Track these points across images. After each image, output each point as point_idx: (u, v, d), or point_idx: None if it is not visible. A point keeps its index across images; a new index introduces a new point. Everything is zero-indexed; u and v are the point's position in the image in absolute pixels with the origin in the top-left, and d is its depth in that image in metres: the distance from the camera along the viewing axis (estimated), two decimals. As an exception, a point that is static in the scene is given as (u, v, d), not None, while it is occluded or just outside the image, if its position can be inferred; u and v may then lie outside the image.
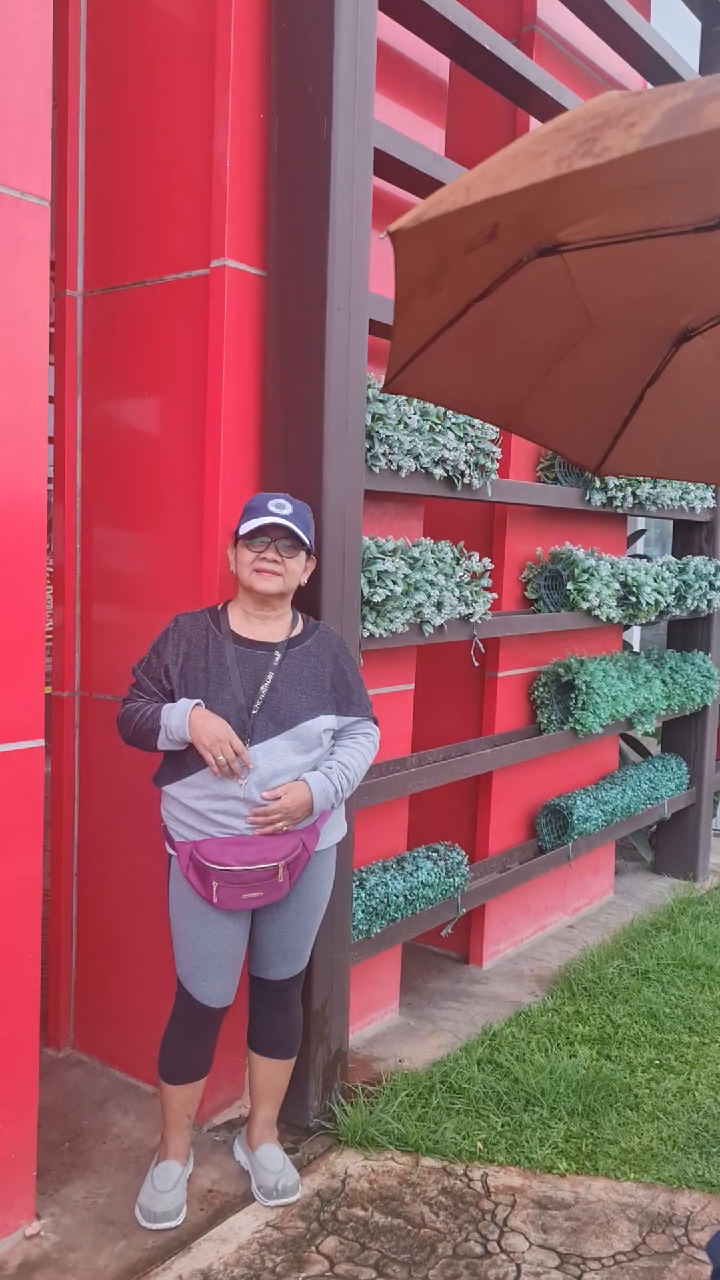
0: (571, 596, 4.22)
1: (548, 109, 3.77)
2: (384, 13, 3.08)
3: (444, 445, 3.28)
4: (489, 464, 3.50)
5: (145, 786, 2.88)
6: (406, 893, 3.40)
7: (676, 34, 4.88)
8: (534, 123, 4.04)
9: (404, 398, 3.12)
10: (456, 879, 3.64)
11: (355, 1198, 2.73)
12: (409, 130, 3.37)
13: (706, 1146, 3.01)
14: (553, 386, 2.17)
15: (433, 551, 3.35)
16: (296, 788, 2.48)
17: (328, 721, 2.58)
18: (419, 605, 3.26)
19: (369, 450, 3.05)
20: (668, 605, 4.81)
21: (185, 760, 2.50)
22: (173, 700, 2.51)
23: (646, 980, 4.10)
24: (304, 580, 2.61)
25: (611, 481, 4.33)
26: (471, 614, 3.53)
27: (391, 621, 3.17)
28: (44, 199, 2.35)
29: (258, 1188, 2.72)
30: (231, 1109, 3.14)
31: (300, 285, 2.86)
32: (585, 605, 4.25)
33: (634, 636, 8.49)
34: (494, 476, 3.59)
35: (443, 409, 3.27)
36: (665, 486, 4.69)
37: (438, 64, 3.53)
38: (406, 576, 3.20)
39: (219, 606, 2.63)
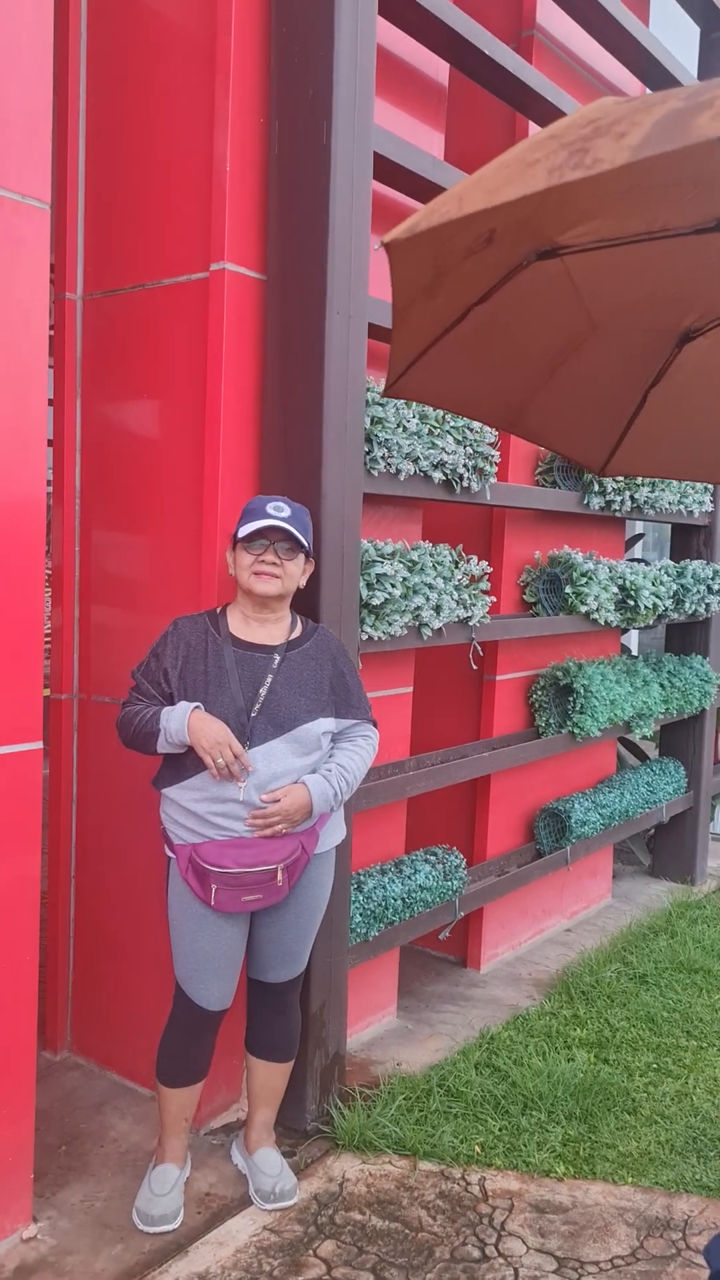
0: (570, 600, 4.23)
1: (547, 114, 3.78)
2: (384, 17, 3.09)
3: (443, 449, 3.29)
4: (488, 467, 3.50)
5: (143, 789, 2.88)
6: (404, 896, 3.40)
7: (675, 39, 4.89)
8: (533, 127, 4.05)
9: (403, 401, 3.12)
10: (454, 882, 3.64)
11: (353, 1201, 2.73)
12: (408, 134, 3.38)
13: (704, 1150, 3.01)
14: (555, 389, 2.17)
15: (431, 555, 3.36)
16: (295, 790, 2.48)
17: (327, 724, 2.58)
18: (417, 608, 3.26)
19: (368, 453, 3.05)
20: (666, 609, 4.82)
21: (184, 763, 2.50)
22: (172, 703, 2.51)
23: (644, 984, 4.10)
24: (303, 583, 2.62)
25: (610, 485, 4.34)
26: (470, 617, 3.54)
27: (390, 624, 3.17)
28: (44, 202, 2.35)
29: (255, 1191, 2.71)
30: (229, 1112, 3.14)
31: (300, 289, 2.87)
32: (583, 609, 4.25)
33: (632, 640, 8.50)
34: (492, 480, 3.59)
35: (442, 412, 3.28)
36: (664, 490, 4.69)
37: (437, 68, 3.54)
38: (405, 579, 3.20)
39: (218, 610, 2.63)
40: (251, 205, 2.91)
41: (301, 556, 2.56)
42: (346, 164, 2.83)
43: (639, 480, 4.49)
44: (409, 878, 3.45)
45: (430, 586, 3.29)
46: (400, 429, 3.14)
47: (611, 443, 2.43)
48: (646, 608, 4.59)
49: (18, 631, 2.39)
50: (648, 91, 4.69)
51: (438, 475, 3.30)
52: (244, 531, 2.49)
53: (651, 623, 4.85)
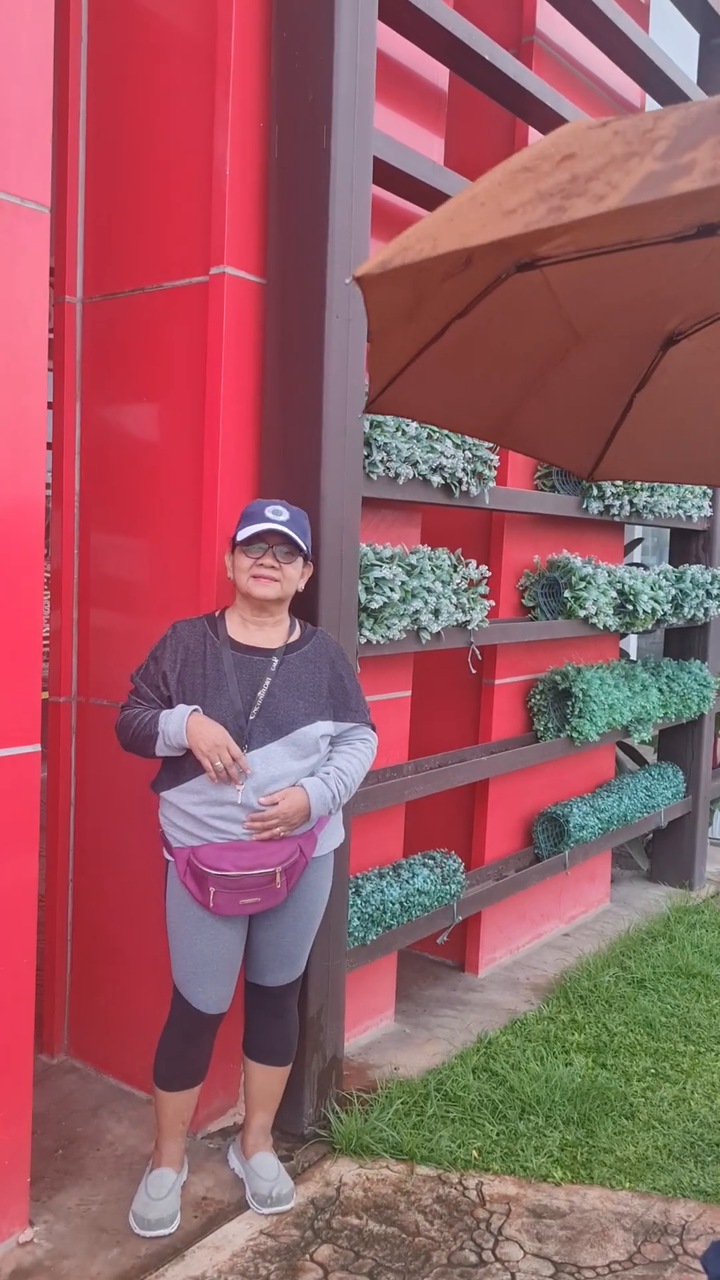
0: (569, 604, 4.23)
1: (546, 119, 3.79)
2: (384, 22, 3.10)
3: (442, 453, 3.29)
4: (487, 472, 3.51)
5: (142, 792, 2.88)
6: (403, 900, 3.40)
7: (675, 45, 4.90)
8: (533, 133, 4.06)
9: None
10: (453, 886, 3.64)
11: (350, 1206, 2.73)
12: (408, 139, 3.38)
13: (702, 1155, 3.00)
14: (541, 397, 2.17)
15: (430, 559, 3.36)
16: (294, 793, 2.48)
17: (325, 727, 2.58)
18: (416, 612, 3.26)
19: (367, 457, 3.06)
20: (664, 613, 4.82)
21: (183, 766, 2.50)
22: (171, 707, 2.51)
23: (642, 989, 4.09)
24: (301, 586, 2.62)
25: (609, 490, 4.34)
26: (469, 621, 3.54)
27: (389, 628, 3.17)
28: (44, 205, 2.35)
29: (252, 1195, 2.71)
30: (226, 1116, 3.13)
31: (299, 292, 2.87)
32: (582, 613, 4.25)
33: (631, 645, 8.50)
34: (491, 484, 3.59)
35: (441, 416, 3.28)
36: (662, 495, 4.70)
37: (437, 74, 3.55)
38: (404, 583, 3.20)
39: (216, 613, 2.64)
40: (251, 209, 2.92)
41: (300, 560, 2.56)
42: (346, 168, 2.84)
43: (638, 485, 4.50)
44: (407, 882, 3.45)
45: (429, 590, 3.29)
46: (399, 433, 3.14)
47: (599, 448, 2.44)
48: (645, 612, 4.59)
49: (16, 634, 2.39)
50: (648, 97, 4.72)
51: (437, 479, 3.31)
52: (243, 535, 2.49)
53: (650, 627, 4.85)
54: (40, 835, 2.58)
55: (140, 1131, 3.01)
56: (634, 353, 2.19)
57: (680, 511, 4.90)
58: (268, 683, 2.52)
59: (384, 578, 3.11)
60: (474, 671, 4.07)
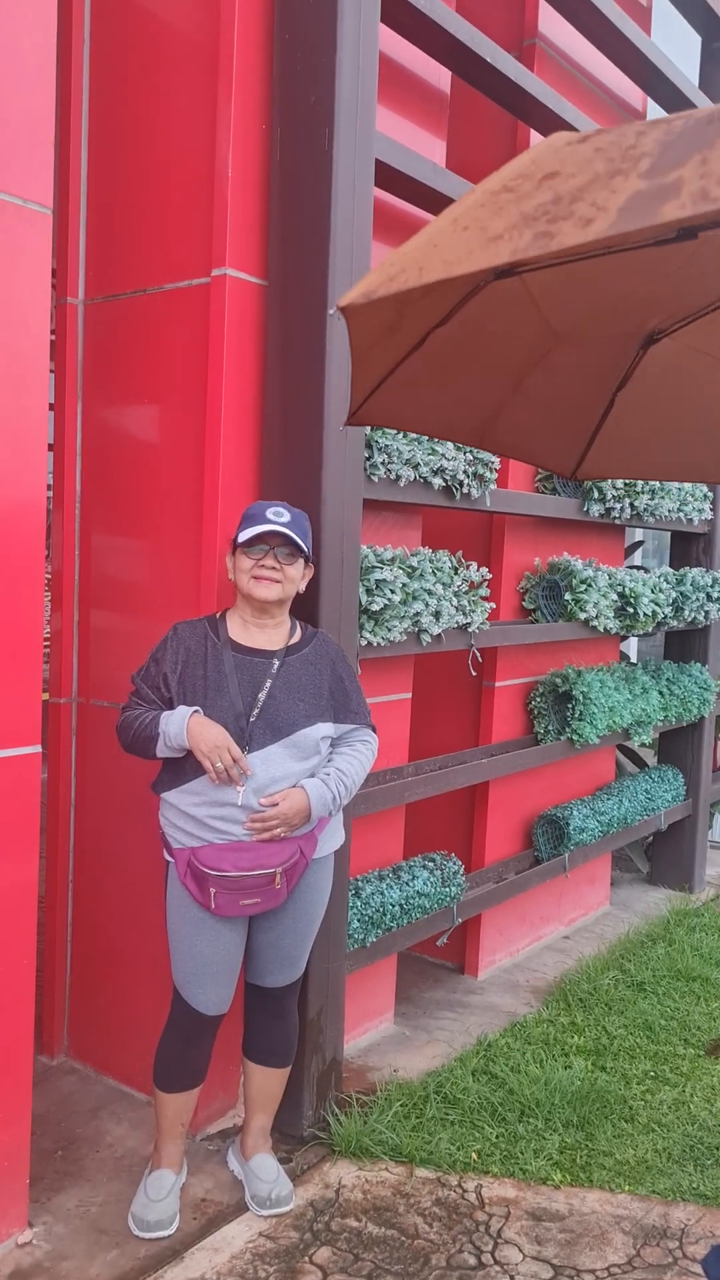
0: (569, 607, 4.23)
1: (548, 121, 3.79)
2: (386, 25, 3.10)
3: (443, 455, 3.29)
4: (487, 474, 3.51)
5: (142, 793, 2.88)
6: (402, 902, 3.40)
7: (677, 49, 4.91)
8: (534, 135, 4.07)
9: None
10: (452, 889, 3.64)
11: (349, 1208, 2.72)
12: (410, 141, 3.39)
13: (701, 1159, 3.00)
14: (522, 401, 2.18)
15: (431, 561, 3.36)
16: (294, 794, 2.48)
17: (325, 729, 2.58)
18: (417, 614, 3.26)
19: (368, 459, 3.06)
20: (665, 616, 4.82)
21: (183, 767, 2.50)
22: (171, 708, 2.51)
23: (642, 992, 4.09)
24: (302, 588, 2.62)
25: (610, 492, 4.34)
26: (469, 623, 3.54)
27: (389, 630, 3.17)
28: (46, 206, 2.36)
29: (251, 1197, 2.71)
30: (225, 1118, 3.13)
31: (301, 294, 2.87)
32: (583, 616, 4.25)
33: (631, 647, 8.50)
34: (492, 486, 3.60)
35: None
36: (663, 497, 4.70)
37: (439, 76, 3.56)
38: (404, 585, 3.20)
39: (217, 614, 2.64)
40: (253, 211, 2.92)
41: (301, 561, 2.56)
42: (348, 170, 2.84)
43: (639, 487, 4.50)
44: (407, 884, 3.45)
45: (430, 593, 3.29)
46: (400, 435, 3.15)
47: (581, 447, 2.44)
48: (646, 615, 4.59)
49: (17, 635, 2.39)
50: (649, 101, 4.72)
51: (437, 481, 3.31)
52: (244, 536, 2.50)
53: (651, 630, 4.85)
54: (40, 836, 2.58)
55: (140, 1133, 3.00)
56: (614, 353, 2.20)
57: (681, 514, 4.91)
58: (268, 684, 2.52)
59: (385, 580, 3.11)
60: (474, 674, 4.07)
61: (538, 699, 4.36)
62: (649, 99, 4.76)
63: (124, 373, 3.14)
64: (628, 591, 4.52)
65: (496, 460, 3.52)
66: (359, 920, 3.22)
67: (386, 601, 3.11)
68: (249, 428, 2.97)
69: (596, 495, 4.30)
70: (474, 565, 3.58)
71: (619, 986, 4.12)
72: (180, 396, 3.00)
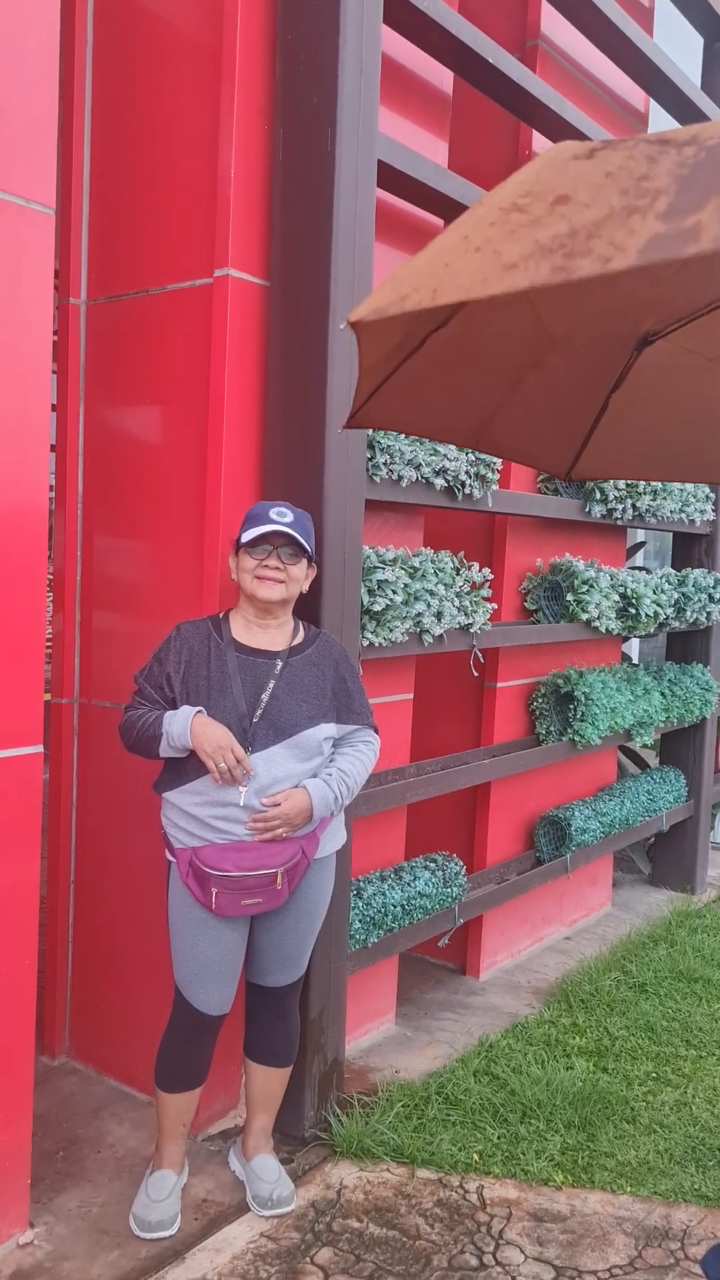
0: (571, 608, 4.23)
1: (550, 122, 3.80)
2: (389, 26, 3.10)
3: (445, 455, 3.29)
4: (490, 474, 3.51)
5: (143, 793, 2.88)
6: (404, 903, 3.40)
7: (679, 50, 4.91)
8: (536, 137, 4.07)
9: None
10: (454, 889, 3.64)
11: (350, 1209, 2.72)
12: (412, 142, 3.39)
13: (703, 1160, 3.00)
14: (518, 402, 2.18)
15: (433, 561, 3.36)
16: (296, 794, 2.48)
17: (328, 730, 2.58)
18: (419, 615, 3.26)
19: (370, 460, 3.06)
20: (667, 617, 4.82)
21: (185, 767, 2.50)
22: (174, 708, 2.52)
23: (644, 993, 4.09)
24: (305, 588, 2.62)
25: (611, 493, 4.34)
26: (471, 624, 3.54)
27: (391, 631, 3.17)
28: (48, 207, 2.36)
29: (252, 1198, 2.70)
30: (227, 1119, 3.13)
31: (304, 295, 2.87)
32: (584, 617, 4.25)
33: (633, 648, 8.50)
34: (494, 487, 3.59)
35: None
36: (665, 498, 4.70)
37: (441, 77, 3.56)
38: (406, 586, 3.20)
39: (221, 614, 2.64)
40: (256, 211, 2.92)
41: (305, 562, 2.56)
42: (351, 171, 2.84)
43: (640, 488, 4.50)
44: (408, 884, 3.45)
45: (431, 593, 3.29)
46: (402, 435, 3.15)
47: (575, 448, 2.45)
48: (648, 616, 4.59)
49: (19, 635, 2.39)
50: (652, 103, 4.72)
51: (440, 482, 3.31)
52: (247, 536, 2.50)
53: (652, 631, 4.85)
54: (42, 836, 2.58)
55: (141, 1133, 3.00)
56: (609, 354, 2.20)
57: (683, 515, 4.90)
58: (271, 685, 2.52)
59: (386, 580, 3.11)
60: (476, 674, 4.07)
61: (539, 700, 4.36)
62: (651, 100, 4.76)
63: (126, 373, 3.15)
64: (630, 592, 4.52)
65: (498, 461, 3.52)
66: (360, 921, 3.22)
67: (388, 602, 3.11)
68: (251, 428, 2.97)
69: (598, 496, 4.30)
70: (476, 566, 3.58)
71: (620, 988, 4.11)
72: (182, 397, 3.00)
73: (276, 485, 2.96)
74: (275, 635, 2.59)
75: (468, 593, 3.51)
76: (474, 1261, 2.55)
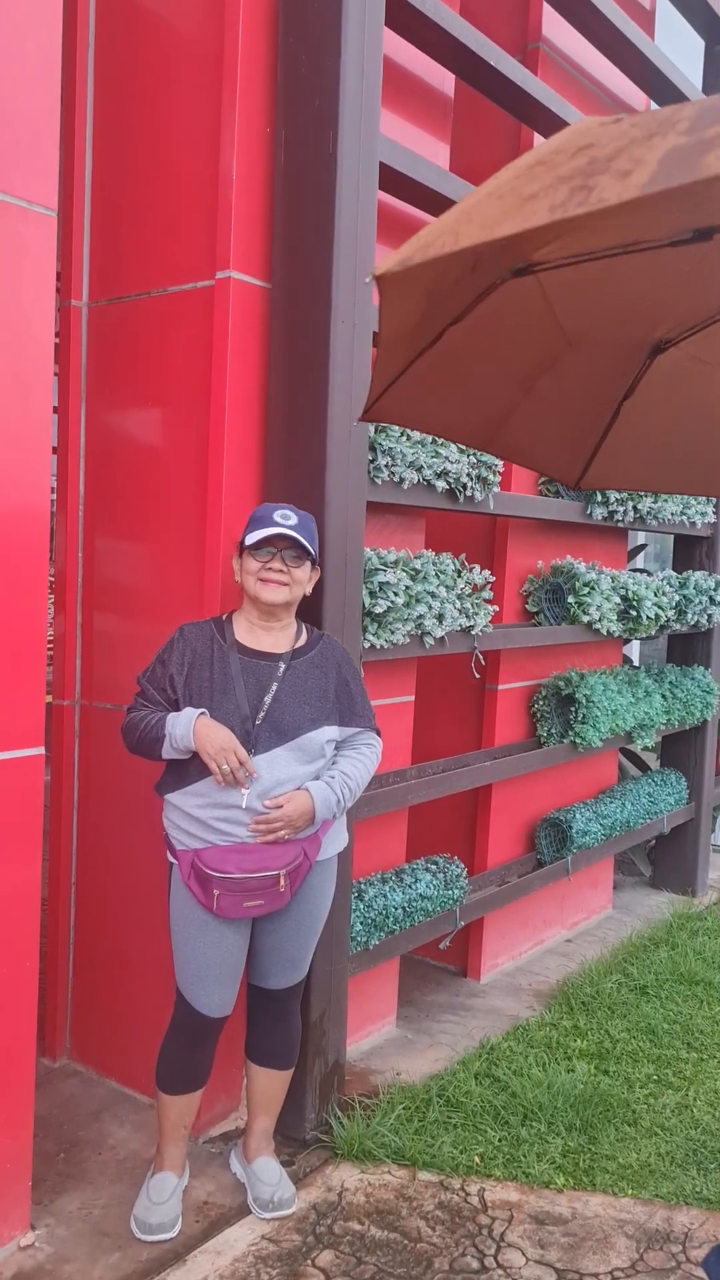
0: (572, 610, 4.23)
1: (552, 125, 3.80)
2: (391, 28, 3.10)
3: (446, 457, 3.29)
4: (491, 477, 3.51)
5: (145, 795, 2.88)
6: (405, 905, 3.40)
7: (680, 52, 4.91)
8: (538, 139, 4.07)
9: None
10: (455, 892, 3.64)
11: (351, 1211, 2.72)
12: (414, 145, 3.39)
13: (704, 1163, 3.00)
14: (530, 406, 2.17)
15: (434, 563, 3.36)
16: (299, 796, 2.48)
17: (330, 732, 2.58)
18: (420, 617, 3.26)
19: (372, 462, 3.06)
20: (668, 620, 4.82)
21: (188, 769, 2.50)
22: (177, 709, 2.51)
23: (645, 995, 4.09)
24: (309, 590, 2.62)
25: (613, 496, 4.34)
26: (472, 626, 3.54)
27: (392, 633, 3.17)
28: (50, 209, 2.36)
29: (254, 1200, 2.70)
30: (228, 1121, 3.13)
31: (305, 297, 2.88)
32: (586, 619, 4.25)
33: (634, 651, 8.50)
34: (496, 489, 3.60)
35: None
36: (666, 501, 4.70)
37: (443, 80, 3.56)
38: (408, 588, 3.20)
39: (224, 616, 2.64)
40: (257, 214, 2.93)
41: (308, 564, 2.56)
42: (352, 174, 2.84)
43: (619, 489, 4.50)
44: (410, 887, 3.45)
45: (433, 595, 3.30)
46: (404, 438, 3.15)
47: (585, 457, 2.44)
48: (649, 618, 4.59)
49: (20, 637, 2.39)
50: (653, 104, 4.73)
51: (441, 484, 3.31)
52: (251, 539, 2.50)
53: (654, 633, 4.85)
54: (43, 838, 2.58)
55: (142, 1135, 3.00)
56: (622, 361, 2.20)
57: (684, 518, 4.90)
58: (274, 688, 2.52)
59: (388, 582, 3.11)
60: (477, 677, 4.07)
61: (540, 702, 4.36)
62: (652, 103, 4.77)
63: (128, 375, 3.15)
64: (631, 594, 4.52)
65: (500, 463, 3.53)
66: (362, 923, 3.22)
67: (390, 604, 3.11)
68: (252, 430, 2.97)
69: (599, 498, 4.30)
70: (477, 568, 3.58)
71: (621, 990, 4.11)
72: (184, 399, 3.01)
73: (278, 487, 2.96)
74: (278, 637, 2.59)
75: (469, 595, 3.51)
76: (475, 1264, 2.54)
